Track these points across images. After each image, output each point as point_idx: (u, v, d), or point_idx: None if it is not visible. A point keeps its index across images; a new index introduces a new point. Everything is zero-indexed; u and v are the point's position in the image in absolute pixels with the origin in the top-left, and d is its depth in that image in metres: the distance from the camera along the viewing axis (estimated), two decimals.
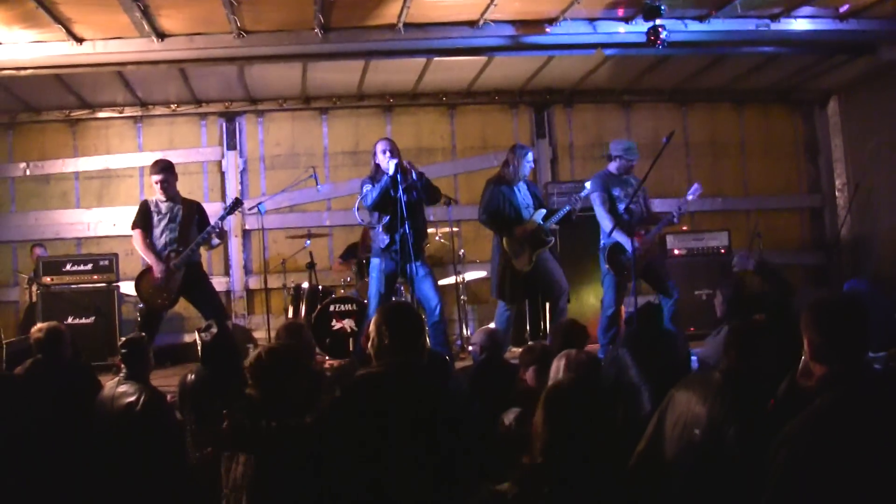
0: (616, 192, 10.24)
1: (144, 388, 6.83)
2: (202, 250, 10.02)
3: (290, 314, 12.06)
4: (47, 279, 11.65)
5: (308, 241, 12.47)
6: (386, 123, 14.43)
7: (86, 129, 13.93)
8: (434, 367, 6.46)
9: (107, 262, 11.89)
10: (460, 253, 12.56)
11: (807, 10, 10.82)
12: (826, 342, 3.88)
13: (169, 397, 7.40)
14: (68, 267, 11.79)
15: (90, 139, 13.95)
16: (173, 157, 11.26)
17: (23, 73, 10.78)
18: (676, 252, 12.92)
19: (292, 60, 11.58)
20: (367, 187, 9.74)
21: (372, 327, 4.98)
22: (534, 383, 6.59)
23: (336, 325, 11.27)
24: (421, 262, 9.73)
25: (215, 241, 9.93)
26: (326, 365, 10.73)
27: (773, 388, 4.73)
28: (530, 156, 10.48)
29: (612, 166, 10.36)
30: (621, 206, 10.09)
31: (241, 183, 14.02)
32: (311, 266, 12.37)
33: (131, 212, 10.22)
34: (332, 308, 11.37)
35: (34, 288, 11.94)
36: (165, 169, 9.89)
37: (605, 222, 10.11)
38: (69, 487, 6.38)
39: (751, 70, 13.49)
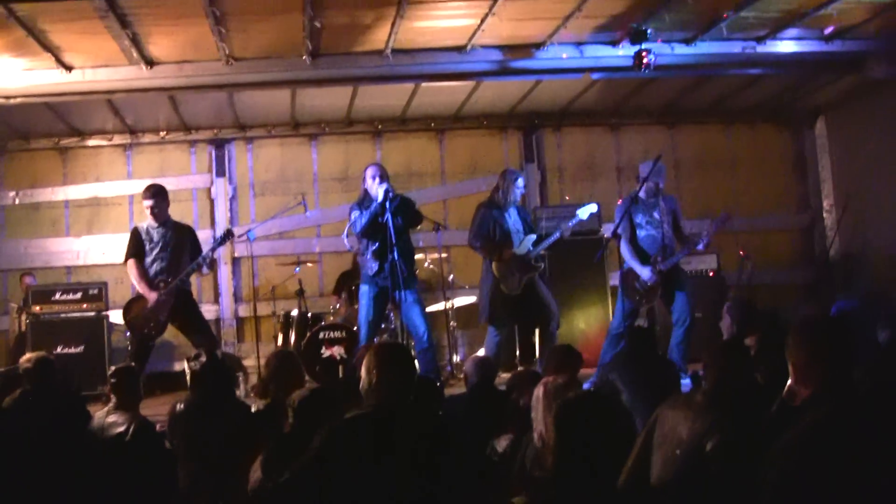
0: (638, 218, 10.32)
1: (134, 418, 6.83)
2: (192, 277, 10.03)
3: (280, 341, 12.04)
4: (37, 308, 11.59)
5: (298, 268, 12.47)
6: (375, 148, 14.43)
7: (75, 156, 13.91)
8: (424, 402, 6.45)
9: (96, 291, 11.83)
10: (450, 278, 12.57)
11: (792, 31, 10.86)
12: (811, 363, 3.90)
13: (159, 426, 7.38)
14: (58, 295, 11.73)
15: (80, 167, 13.92)
16: (163, 184, 11.23)
17: (12, 101, 10.76)
18: None
19: (281, 87, 11.57)
20: (356, 213, 9.78)
21: (363, 367, 5.01)
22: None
23: (326, 352, 11.23)
24: (410, 288, 9.76)
25: (205, 269, 9.95)
26: None
27: (755, 406, 4.77)
28: (521, 181, 10.54)
29: (642, 189, 10.38)
30: (641, 233, 10.23)
31: (231, 210, 14.01)
32: (300, 293, 12.39)
33: (121, 239, 10.24)
34: (321, 335, 11.32)
35: (24, 317, 11.91)
36: (157, 194, 9.91)
37: (624, 251, 10.23)
38: None
39: (738, 89, 13.51)
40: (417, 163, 14.53)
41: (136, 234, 9.99)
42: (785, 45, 11.11)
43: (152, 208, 9.86)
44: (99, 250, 13.59)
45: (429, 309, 11.04)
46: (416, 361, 9.96)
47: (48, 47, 9.68)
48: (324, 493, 4.65)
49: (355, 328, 10.66)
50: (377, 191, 9.59)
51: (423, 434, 4.87)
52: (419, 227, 10.56)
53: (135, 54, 10.01)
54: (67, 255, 13.74)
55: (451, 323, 12.39)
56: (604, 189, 14.33)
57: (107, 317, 11.74)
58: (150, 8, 8.84)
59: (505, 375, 9.03)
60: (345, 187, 14.05)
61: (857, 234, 14.20)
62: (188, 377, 7.12)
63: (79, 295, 11.77)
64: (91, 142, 13.80)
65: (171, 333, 10.39)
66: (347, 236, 10.55)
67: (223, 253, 13.38)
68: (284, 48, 10.45)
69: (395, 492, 4.57)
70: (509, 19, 9.76)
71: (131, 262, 9.88)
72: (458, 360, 12.07)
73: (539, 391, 5.18)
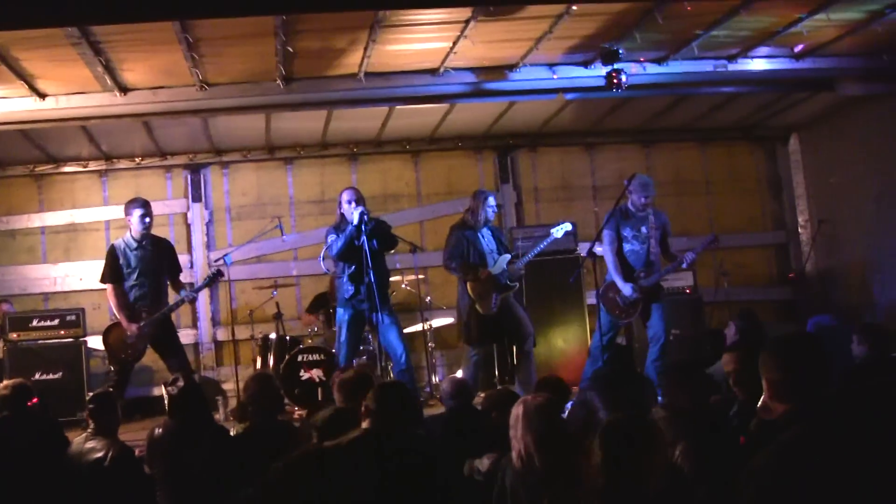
0: (626, 231, 10.40)
1: (113, 443, 6.83)
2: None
3: (259, 364, 12.03)
4: (14, 335, 11.55)
5: (275, 292, 12.47)
6: (351, 171, 14.45)
7: (51, 183, 13.89)
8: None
9: (74, 317, 11.80)
10: (427, 299, 12.59)
11: (763, 49, 10.95)
12: (786, 380, 3.92)
13: (138, 451, 7.37)
14: (35, 322, 11.70)
15: (56, 193, 13.90)
16: None
17: None
18: None
19: (256, 111, 11.56)
20: (332, 237, 9.83)
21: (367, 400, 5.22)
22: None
23: (305, 374, 11.21)
24: (387, 310, 9.80)
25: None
26: (296, 416, 10.70)
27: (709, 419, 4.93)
28: (492, 200, 10.58)
29: (629, 202, 10.48)
30: (626, 247, 10.34)
31: (207, 234, 14.00)
32: (278, 316, 12.40)
33: (98, 265, 10.23)
34: (300, 358, 11.30)
35: (1, 344, 11.87)
36: (149, 205, 10.03)
37: (608, 263, 10.28)
38: None
39: (712, 109, 13.60)
40: (393, 185, 14.58)
41: (112, 254, 10.01)
42: (756, 64, 11.20)
43: (149, 218, 9.96)
44: (76, 276, 13.57)
45: (407, 330, 11.06)
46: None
47: (21, 75, 9.68)
48: None
49: (334, 351, 10.67)
50: (353, 214, 9.62)
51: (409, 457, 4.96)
52: (395, 249, 10.59)
53: (108, 81, 10.02)
54: (44, 282, 13.69)
55: (430, 344, 12.41)
56: (580, 209, 14.39)
57: (85, 343, 11.70)
58: (124, 35, 8.84)
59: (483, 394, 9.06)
60: (321, 210, 14.08)
61: (832, 249, 14.30)
62: (166, 402, 7.13)
63: (56, 321, 11.74)
64: (67, 168, 13.77)
65: (149, 358, 10.39)
66: (324, 259, 10.58)
67: (200, 276, 13.37)
68: (258, 73, 10.47)
69: None
70: (481, 41, 9.80)
71: (110, 287, 9.91)
72: (437, 380, 12.07)
73: (518, 410, 5.22)
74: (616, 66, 10.29)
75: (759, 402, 4.12)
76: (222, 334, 13.78)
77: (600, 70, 10.52)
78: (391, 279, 10.92)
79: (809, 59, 11.20)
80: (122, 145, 13.33)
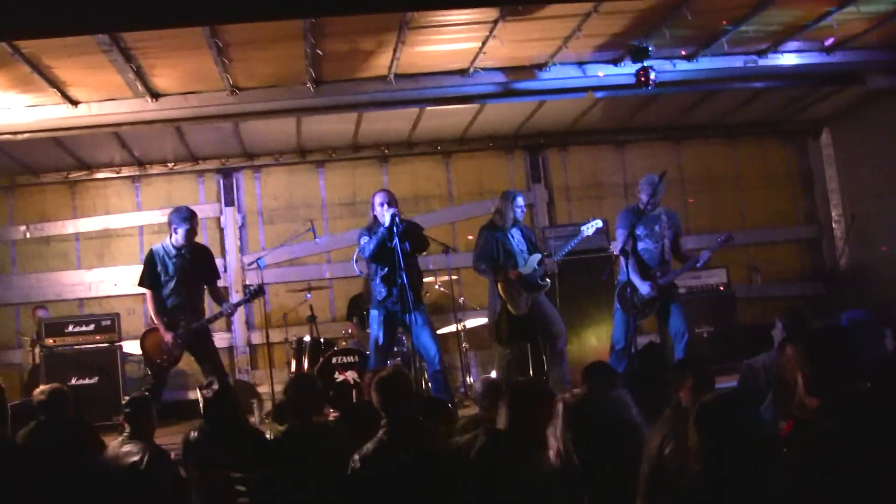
0: (639, 230, 10.38)
1: (148, 447, 6.85)
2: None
3: (294, 367, 12.06)
4: (50, 340, 11.63)
5: (308, 294, 12.51)
6: (382, 173, 14.48)
7: (84, 189, 13.99)
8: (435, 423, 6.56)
9: (109, 322, 11.87)
10: (460, 300, 12.59)
11: (793, 44, 10.92)
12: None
13: (173, 454, 7.41)
14: (70, 328, 11.78)
15: (89, 199, 14.00)
16: None
17: (20, 136, 10.86)
18: None
19: (286, 115, 11.64)
20: (365, 239, 9.83)
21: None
22: None
23: (339, 376, 11.24)
24: (419, 311, 9.79)
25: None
26: (330, 417, 10.72)
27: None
28: (520, 200, 10.57)
29: (640, 201, 10.47)
30: (640, 245, 10.31)
31: (241, 238, 14.06)
32: (312, 318, 12.41)
33: (132, 271, 10.33)
34: (334, 360, 11.31)
35: (37, 350, 11.93)
36: (195, 216, 10.10)
37: (623, 262, 10.26)
38: None
39: (742, 104, 13.55)
40: (424, 186, 14.59)
41: (151, 260, 10.04)
42: (786, 58, 11.17)
43: (194, 233, 10.04)
44: (110, 282, 13.67)
45: (440, 331, 11.08)
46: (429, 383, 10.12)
47: (53, 83, 9.77)
48: None
49: (367, 352, 10.68)
50: (385, 216, 9.64)
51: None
52: (427, 250, 10.59)
53: (140, 87, 10.10)
54: (79, 288, 13.80)
55: (463, 344, 12.41)
56: (611, 207, 14.26)
57: (120, 347, 11.77)
58: (154, 41, 8.91)
59: None
60: (353, 213, 14.12)
61: (865, 244, 14.19)
62: (201, 405, 7.16)
63: (91, 327, 11.81)
64: (100, 174, 13.89)
65: (184, 362, 10.41)
66: (357, 262, 10.62)
67: (233, 280, 13.45)
68: (287, 76, 10.52)
69: None
70: (510, 41, 9.82)
71: (149, 294, 9.96)
72: (471, 381, 12.05)
73: (559, 408, 5.20)
74: (646, 63, 10.28)
75: (795, 400, 4.12)
76: (256, 338, 13.84)
77: (630, 67, 10.53)
78: (424, 280, 10.91)
79: (839, 53, 11.17)
80: (154, 151, 13.42)
